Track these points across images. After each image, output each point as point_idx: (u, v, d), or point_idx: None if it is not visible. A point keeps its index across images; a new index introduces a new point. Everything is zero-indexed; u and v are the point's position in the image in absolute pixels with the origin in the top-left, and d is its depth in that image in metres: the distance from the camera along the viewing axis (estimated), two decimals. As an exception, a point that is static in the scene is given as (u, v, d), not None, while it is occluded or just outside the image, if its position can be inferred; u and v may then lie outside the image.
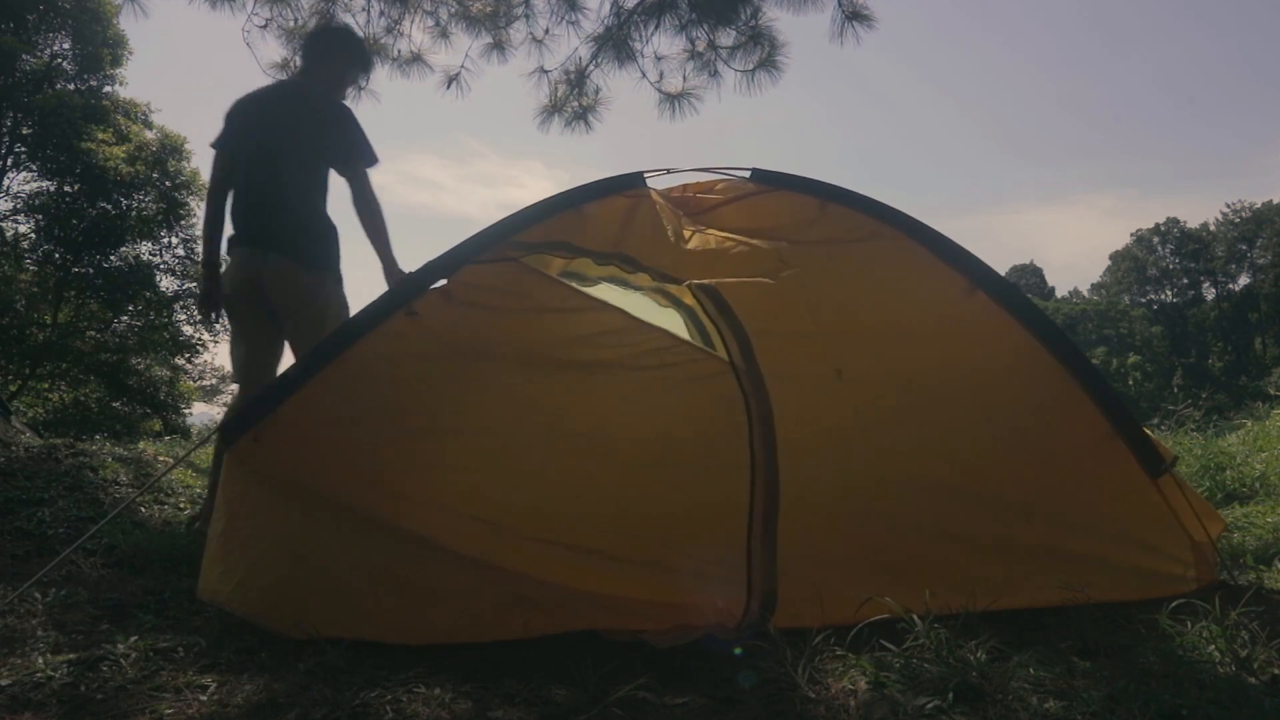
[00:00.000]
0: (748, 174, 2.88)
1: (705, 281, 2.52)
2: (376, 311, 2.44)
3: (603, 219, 2.63)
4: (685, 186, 2.95)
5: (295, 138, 3.28)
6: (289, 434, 2.32)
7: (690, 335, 3.18)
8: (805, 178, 2.80)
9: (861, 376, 2.55)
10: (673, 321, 3.21)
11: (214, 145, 3.40)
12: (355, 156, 3.32)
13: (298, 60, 6.14)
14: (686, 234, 2.70)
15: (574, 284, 2.74)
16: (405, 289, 2.53)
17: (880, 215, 2.71)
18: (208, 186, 3.46)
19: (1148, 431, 2.86)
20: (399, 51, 6.39)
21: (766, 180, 2.83)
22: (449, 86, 6.53)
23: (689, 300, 2.98)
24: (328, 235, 3.38)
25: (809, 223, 2.73)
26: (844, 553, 2.47)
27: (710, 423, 2.49)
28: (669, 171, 2.90)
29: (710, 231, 2.74)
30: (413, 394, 2.44)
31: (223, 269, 3.57)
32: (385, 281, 3.25)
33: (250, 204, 3.34)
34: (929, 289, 2.66)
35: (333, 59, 3.42)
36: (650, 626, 2.28)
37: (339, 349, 2.40)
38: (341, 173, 3.35)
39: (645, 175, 2.76)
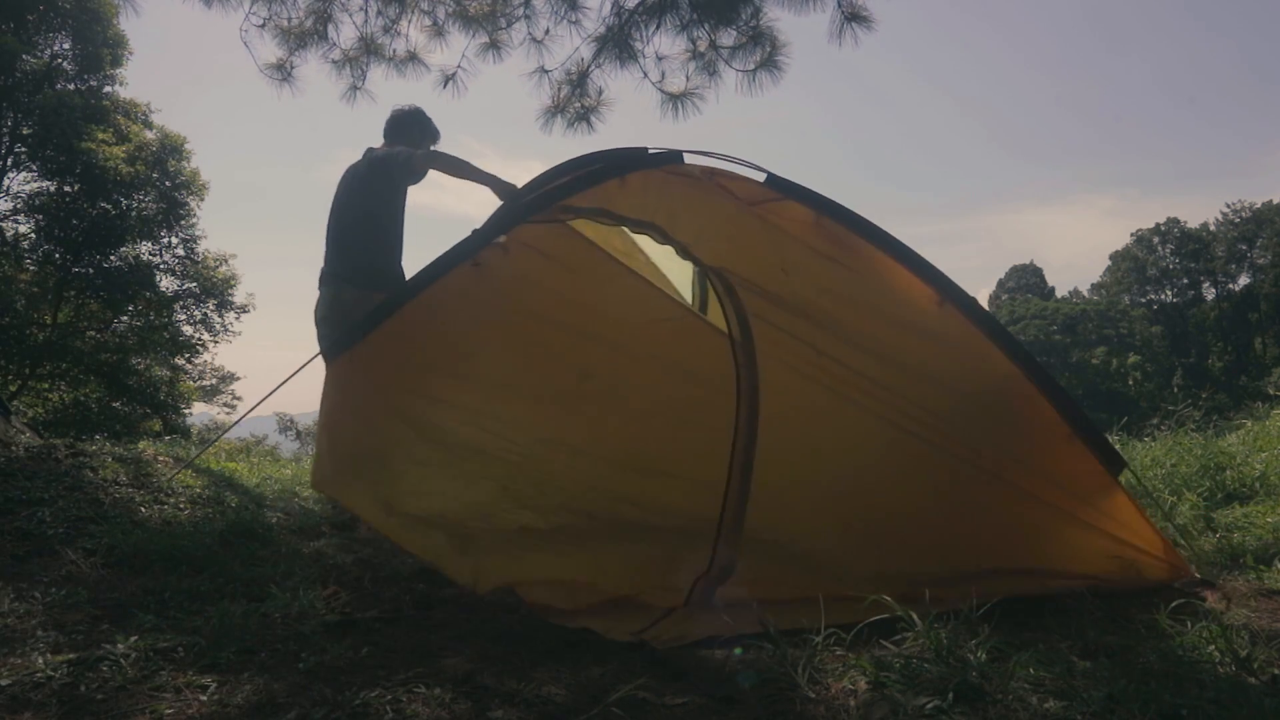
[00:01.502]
0: (763, 177, 3.04)
1: (716, 265, 2.86)
2: (448, 261, 2.80)
3: (641, 188, 2.86)
4: (713, 171, 3.09)
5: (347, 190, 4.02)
6: (374, 357, 2.76)
7: (695, 296, 3.63)
8: (806, 189, 2.97)
9: (840, 364, 2.81)
10: (691, 280, 3.60)
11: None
12: (392, 174, 3.93)
13: (293, 60, 6.15)
14: (724, 209, 2.96)
15: (610, 249, 3.28)
16: (471, 242, 2.85)
17: (864, 233, 2.90)
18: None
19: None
20: (395, 51, 6.38)
21: (776, 186, 2.99)
22: (445, 86, 6.53)
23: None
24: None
25: (808, 231, 2.93)
26: (809, 515, 2.80)
27: (706, 388, 2.95)
28: (707, 155, 3.10)
29: (742, 216, 2.96)
30: (469, 336, 2.96)
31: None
32: (499, 198, 3.46)
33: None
34: (906, 300, 2.87)
35: (407, 133, 4.10)
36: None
37: (416, 291, 2.81)
38: (404, 184, 3.97)
39: (684, 154, 3.00)
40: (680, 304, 3.47)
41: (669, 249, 3.19)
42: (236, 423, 4.62)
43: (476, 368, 3.02)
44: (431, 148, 4.11)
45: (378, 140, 4.16)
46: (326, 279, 3.95)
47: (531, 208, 2.87)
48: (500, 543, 2.88)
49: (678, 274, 3.73)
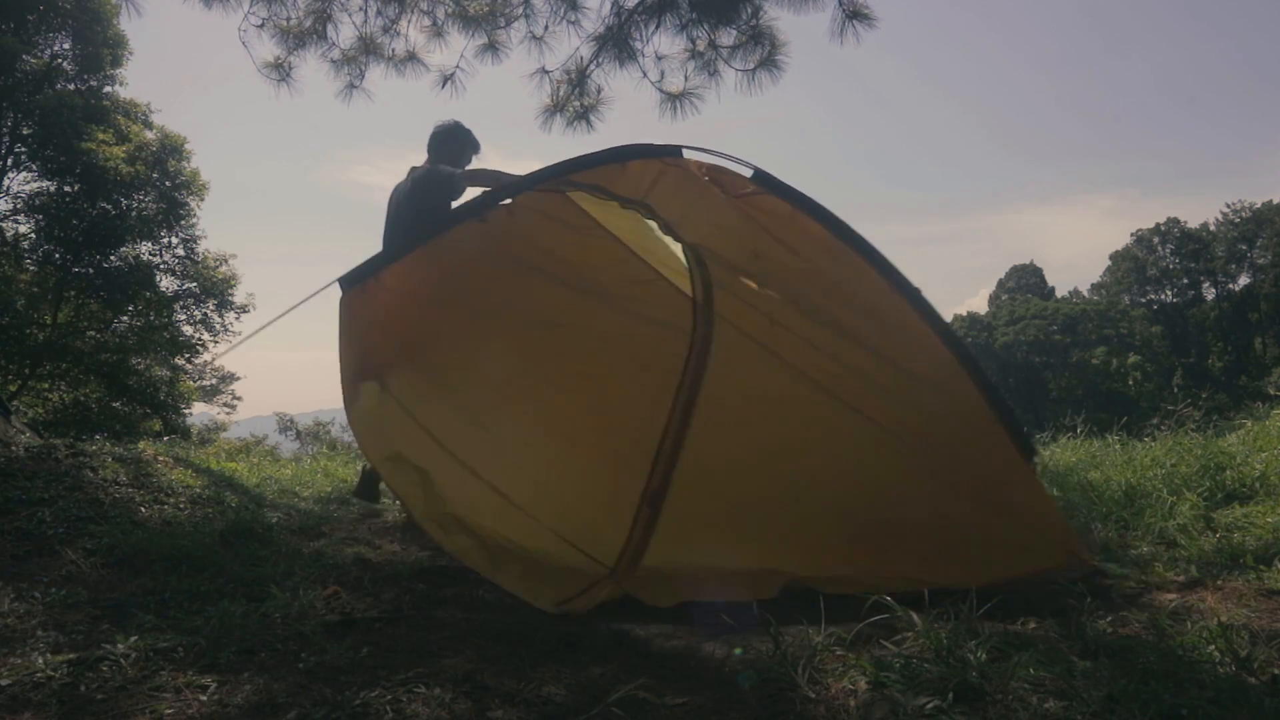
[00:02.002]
0: (750, 173, 3.24)
1: (694, 243, 3.21)
2: (459, 215, 3.32)
3: (639, 175, 3.18)
4: (706, 165, 3.34)
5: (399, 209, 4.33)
6: (385, 291, 3.12)
7: (672, 261, 3.94)
8: (787, 186, 3.17)
9: (790, 333, 3.09)
10: (670, 251, 3.87)
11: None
12: (432, 193, 4.19)
13: (292, 60, 6.14)
14: (711, 197, 3.20)
15: (596, 213, 3.65)
16: (483, 202, 3.28)
17: (833, 228, 3.09)
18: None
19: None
20: (394, 51, 6.38)
21: (761, 182, 3.20)
22: (444, 86, 6.52)
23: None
24: None
25: (783, 223, 3.15)
26: (740, 460, 3.11)
27: (665, 338, 3.43)
28: (705, 151, 3.36)
29: (724, 204, 3.23)
30: (469, 276, 3.41)
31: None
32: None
33: None
34: (860, 288, 3.08)
35: (448, 149, 4.38)
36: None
37: (429, 236, 3.27)
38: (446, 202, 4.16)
39: (683, 149, 3.27)
40: (658, 272, 3.83)
41: (655, 231, 3.57)
42: (247, 337, 4.45)
43: (471, 301, 3.47)
44: (473, 158, 4.44)
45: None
46: None
47: (538, 177, 3.19)
48: (457, 471, 3.20)
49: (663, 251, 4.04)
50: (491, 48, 6.38)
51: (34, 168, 16.97)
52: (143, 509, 3.75)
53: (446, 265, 3.31)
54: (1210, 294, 59.37)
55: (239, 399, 21.50)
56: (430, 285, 3.29)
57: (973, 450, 2.95)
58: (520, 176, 3.37)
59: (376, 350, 3.16)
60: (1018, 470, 2.91)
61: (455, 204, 4.12)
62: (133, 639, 2.21)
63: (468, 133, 4.45)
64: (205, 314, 18.66)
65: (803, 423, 3.10)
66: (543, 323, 3.63)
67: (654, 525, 3.08)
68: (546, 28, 6.28)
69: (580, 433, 3.52)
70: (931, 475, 2.96)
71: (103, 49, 17.17)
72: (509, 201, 3.35)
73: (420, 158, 4.44)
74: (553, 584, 2.89)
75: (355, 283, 3.10)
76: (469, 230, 3.27)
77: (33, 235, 17.14)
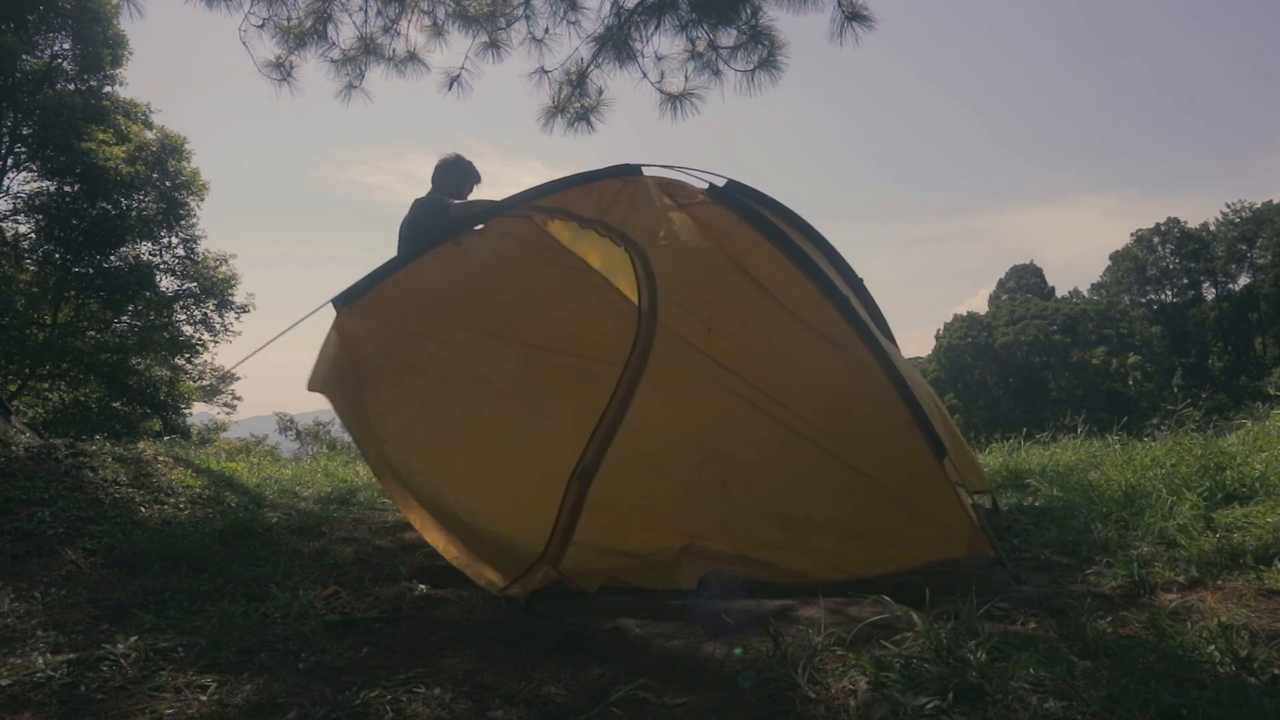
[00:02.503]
0: (722, 181, 3.65)
1: (641, 245, 3.43)
2: (437, 240, 3.81)
3: (601, 195, 3.54)
4: (662, 180, 3.71)
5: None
6: (371, 309, 3.64)
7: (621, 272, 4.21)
8: (736, 198, 3.56)
9: (727, 338, 3.31)
10: (622, 262, 4.06)
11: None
12: (428, 225, 4.55)
13: (292, 59, 6.15)
14: (662, 208, 3.53)
15: (560, 235, 4.05)
16: (458, 227, 3.84)
17: (770, 236, 3.38)
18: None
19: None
20: (394, 51, 6.37)
21: (719, 195, 3.58)
22: (450, 88, 6.52)
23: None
24: None
25: (724, 233, 3.43)
26: (665, 453, 3.30)
27: (614, 335, 3.70)
28: (668, 167, 3.80)
29: (673, 214, 3.53)
30: (447, 296, 3.83)
31: None
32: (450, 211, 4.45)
33: None
34: (793, 295, 3.32)
35: (450, 179, 4.80)
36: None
37: (409, 260, 3.77)
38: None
39: (642, 167, 3.67)
40: (608, 279, 4.23)
41: (611, 246, 3.84)
42: (253, 352, 4.53)
43: (443, 309, 3.86)
44: (474, 188, 4.92)
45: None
46: None
47: (510, 202, 3.70)
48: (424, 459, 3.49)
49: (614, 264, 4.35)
50: (493, 47, 6.37)
51: (34, 168, 16.99)
52: (143, 509, 3.76)
53: (430, 282, 3.77)
54: (1210, 294, 59.36)
55: (239, 399, 21.50)
56: (416, 299, 3.75)
57: (889, 449, 3.19)
58: (492, 203, 3.94)
59: (365, 354, 3.62)
60: (929, 468, 3.13)
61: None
62: (133, 639, 2.21)
63: (469, 164, 4.87)
64: (205, 314, 18.67)
65: (731, 425, 3.31)
66: (497, 326, 3.99)
67: (582, 502, 3.19)
68: (547, 30, 6.28)
69: (520, 420, 3.85)
70: (846, 476, 3.17)
71: (103, 49, 17.17)
72: (481, 227, 3.84)
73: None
74: (495, 566, 3.08)
75: (344, 304, 3.64)
76: (446, 252, 3.77)
77: (33, 235, 17.16)
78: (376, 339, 3.65)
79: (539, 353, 4.06)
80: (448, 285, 3.82)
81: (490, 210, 3.89)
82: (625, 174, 3.58)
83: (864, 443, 3.20)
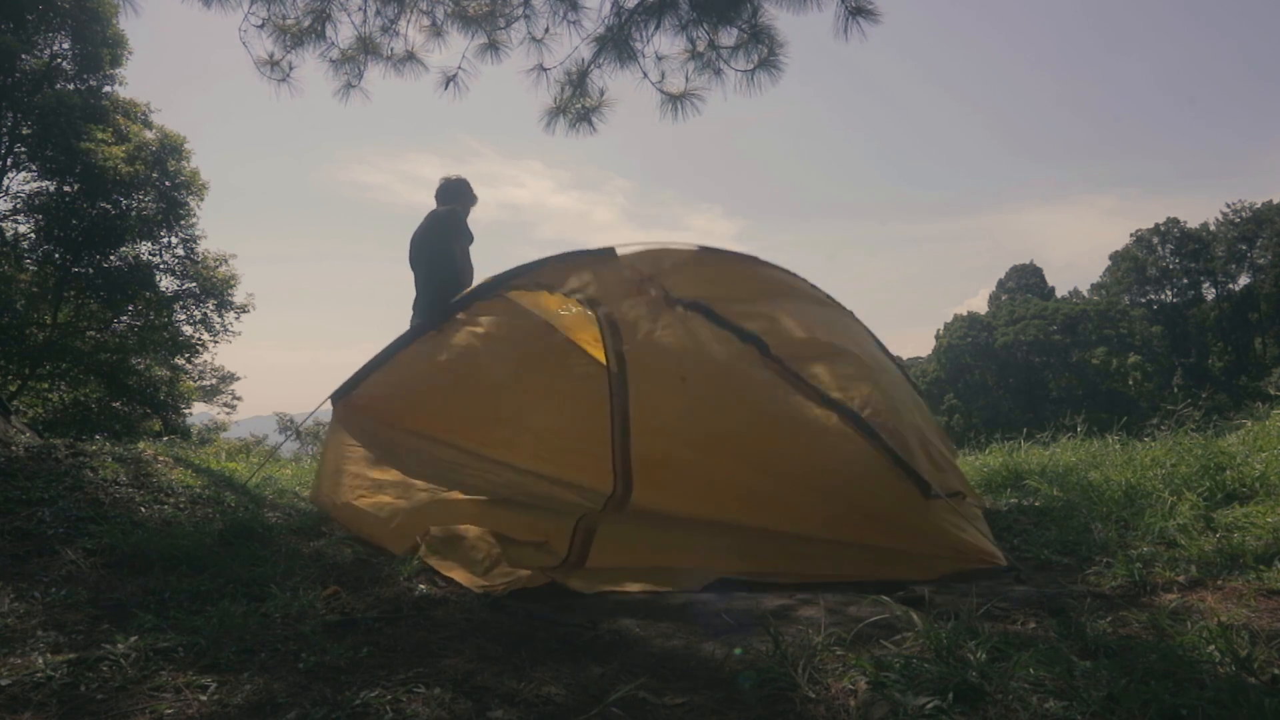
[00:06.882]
0: (695, 249, 4.11)
1: (610, 314, 3.72)
2: (419, 330, 4.41)
3: (576, 271, 3.94)
4: (632, 257, 4.02)
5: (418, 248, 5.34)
6: (359, 403, 4.29)
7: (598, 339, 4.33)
8: (720, 259, 4.17)
9: (700, 394, 3.55)
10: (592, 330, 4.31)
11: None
12: (449, 237, 5.21)
13: (291, 59, 6.15)
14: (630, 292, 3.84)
15: (538, 314, 4.21)
16: (437, 317, 4.36)
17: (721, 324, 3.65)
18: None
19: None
20: (393, 51, 6.36)
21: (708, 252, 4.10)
22: (446, 87, 6.51)
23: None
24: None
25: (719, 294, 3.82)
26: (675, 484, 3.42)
27: (590, 397, 3.66)
28: (646, 245, 4.11)
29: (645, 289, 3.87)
30: (428, 386, 4.21)
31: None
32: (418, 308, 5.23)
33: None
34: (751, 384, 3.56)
35: (453, 199, 5.39)
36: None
37: (393, 354, 4.38)
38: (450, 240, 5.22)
39: (616, 248, 4.01)
40: (577, 345, 4.22)
41: (584, 314, 4.08)
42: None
43: (428, 402, 4.18)
44: (471, 208, 5.49)
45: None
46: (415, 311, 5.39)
47: (484, 289, 4.23)
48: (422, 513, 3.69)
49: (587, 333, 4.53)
50: (492, 47, 6.35)
51: (34, 167, 16.98)
52: (142, 509, 3.75)
53: (414, 369, 4.26)
54: (1210, 294, 59.37)
55: (239, 399, 21.51)
56: (400, 389, 4.27)
57: (873, 488, 3.33)
58: (473, 288, 4.41)
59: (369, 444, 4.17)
60: (916, 504, 3.29)
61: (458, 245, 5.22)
62: (133, 639, 2.21)
63: (468, 187, 5.52)
64: (205, 314, 18.67)
65: (738, 471, 3.44)
66: (485, 414, 4.06)
67: (625, 503, 3.34)
68: (547, 29, 6.27)
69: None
70: (838, 513, 3.31)
71: (102, 49, 17.17)
72: (460, 315, 4.21)
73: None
74: (470, 564, 3.19)
75: (338, 399, 4.28)
76: (428, 340, 4.25)
77: (33, 235, 17.15)
78: (366, 433, 4.18)
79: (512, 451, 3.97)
80: (427, 377, 4.20)
81: (470, 296, 4.28)
82: (599, 254, 3.95)
83: (847, 483, 3.33)
